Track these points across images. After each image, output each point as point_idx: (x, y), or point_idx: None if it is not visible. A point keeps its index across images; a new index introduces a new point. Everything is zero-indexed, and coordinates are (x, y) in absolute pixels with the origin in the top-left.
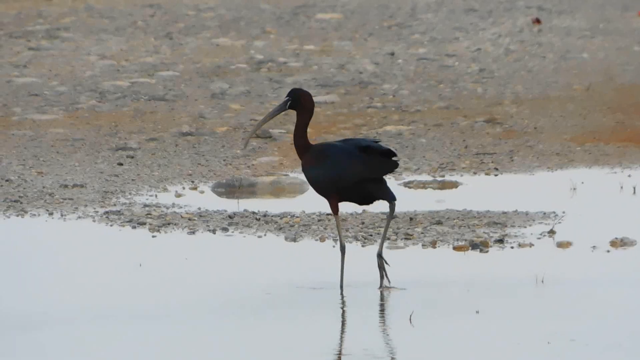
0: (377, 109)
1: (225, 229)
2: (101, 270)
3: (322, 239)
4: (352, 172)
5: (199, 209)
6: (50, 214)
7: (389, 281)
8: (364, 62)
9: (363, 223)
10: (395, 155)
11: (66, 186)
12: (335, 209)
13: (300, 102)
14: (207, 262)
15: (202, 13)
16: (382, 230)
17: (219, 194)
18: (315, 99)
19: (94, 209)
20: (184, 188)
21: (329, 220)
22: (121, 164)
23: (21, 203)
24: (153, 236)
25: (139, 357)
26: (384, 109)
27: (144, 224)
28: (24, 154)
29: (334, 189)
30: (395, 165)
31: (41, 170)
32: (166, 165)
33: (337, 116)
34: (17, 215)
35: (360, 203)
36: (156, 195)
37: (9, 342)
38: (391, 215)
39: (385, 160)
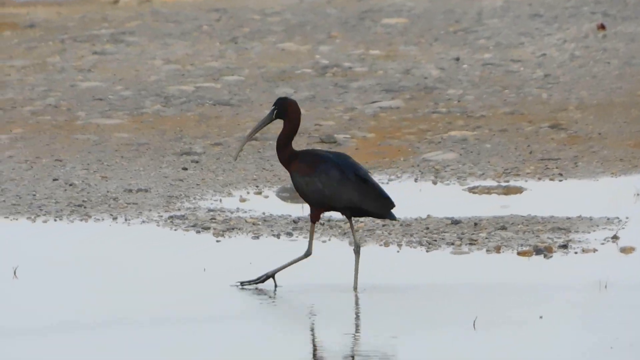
0: (442, 114)
1: (289, 234)
2: (165, 275)
3: (386, 244)
4: (346, 199)
5: (263, 213)
6: (115, 218)
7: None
8: (429, 67)
9: (427, 228)
10: (392, 204)
11: (130, 191)
12: (315, 218)
13: (286, 111)
14: (272, 267)
15: (268, 17)
16: (446, 235)
17: (284, 199)
18: (379, 104)
19: (158, 213)
20: (248, 193)
21: (393, 225)
22: (186, 169)
23: (85, 207)
24: (217, 241)
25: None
26: (449, 114)
27: (208, 228)
28: (88, 158)
29: (322, 204)
30: (389, 213)
31: (105, 174)
32: (231, 169)
33: (402, 121)
34: (81, 220)
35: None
36: (220, 200)
37: (83, 342)
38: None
39: (385, 200)
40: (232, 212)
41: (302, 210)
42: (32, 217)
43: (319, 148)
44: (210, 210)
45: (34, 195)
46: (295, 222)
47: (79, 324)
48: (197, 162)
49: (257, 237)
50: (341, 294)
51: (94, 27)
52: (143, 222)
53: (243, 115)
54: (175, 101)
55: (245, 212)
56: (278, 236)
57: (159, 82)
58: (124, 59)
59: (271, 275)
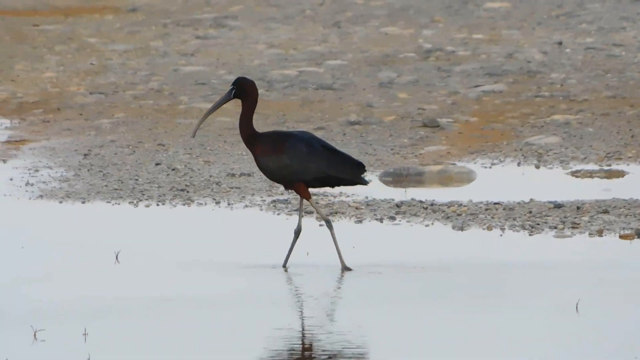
0: (544, 98)
1: (392, 218)
2: (268, 258)
3: (489, 228)
4: (315, 169)
5: (366, 197)
6: (217, 202)
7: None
8: (532, 51)
9: (530, 212)
10: (364, 169)
11: (233, 175)
12: (305, 194)
13: (245, 91)
14: (374, 251)
15: (371, 2)
16: (549, 219)
17: (387, 183)
18: (482, 88)
19: (261, 197)
20: None
21: (496, 209)
22: None
23: (188, 192)
24: (320, 225)
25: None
26: (552, 98)
27: (311, 213)
28: (190, 142)
29: (291, 179)
30: (361, 178)
31: (208, 159)
32: None
33: (505, 105)
34: (184, 204)
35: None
36: None
37: (198, 322)
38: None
39: (355, 166)
40: (335, 197)
41: (405, 194)
42: (135, 201)
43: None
44: (313, 194)
45: (137, 180)
46: (398, 206)
47: (181, 309)
48: None
49: (360, 221)
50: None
51: (196, 11)
52: (246, 206)
53: (346, 99)
54: (278, 85)
55: (348, 196)
56: (381, 220)
57: (262, 67)
58: (227, 44)
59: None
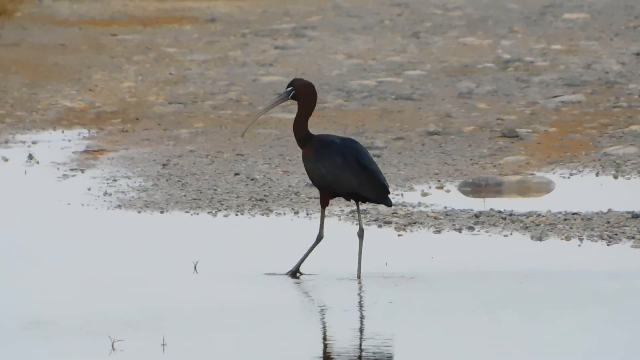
0: (623, 109)
1: (471, 228)
2: (346, 268)
3: (567, 238)
4: (346, 184)
5: (445, 207)
6: (296, 212)
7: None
8: (610, 62)
9: (608, 222)
10: (388, 192)
11: (312, 185)
12: (324, 203)
13: (302, 93)
14: (453, 261)
15: (449, 12)
16: (626, 229)
17: (465, 193)
18: (561, 98)
19: (340, 207)
20: (430, 187)
21: (575, 219)
22: None
23: (266, 202)
24: (399, 235)
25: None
26: (630, 109)
27: (390, 222)
28: (269, 152)
29: (326, 189)
30: (385, 199)
31: (287, 169)
32: (412, 164)
33: (583, 115)
34: (262, 214)
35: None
36: (402, 194)
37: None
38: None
39: (381, 188)
40: (413, 207)
41: (484, 204)
42: (213, 211)
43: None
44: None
45: (215, 189)
46: (477, 216)
47: (259, 319)
48: (379, 156)
49: (439, 232)
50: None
51: (275, 21)
52: (325, 216)
53: (425, 109)
54: (357, 95)
55: (427, 206)
56: (460, 230)
57: (341, 77)
58: (306, 54)
59: (296, 271)
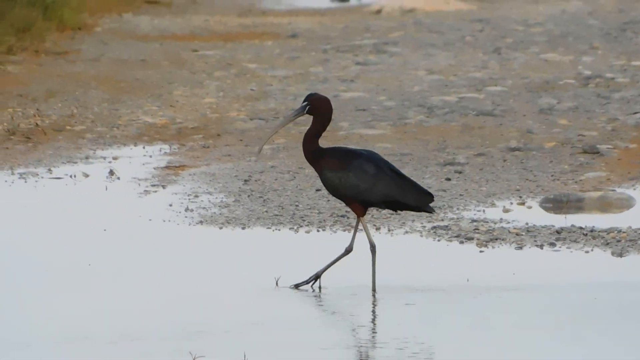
0: None
1: (552, 244)
2: (427, 284)
3: None
4: (384, 192)
5: (527, 224)
6: (378, 228)
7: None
8: None
9: None
10: (432, 197)
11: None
12: (359, 212)
13: (317, 108)
14: (534, 277)
15: (530, 28)
16: None
17: (547, 209)
18: None
19: (422, 223)
20: (511, 203)
21: None
22: (449, 179)
23: (348, 218)
24: (480, 251)
25: None
26: None
27: (471, 239)
28: None
29: (356, 199)
30: (428, 207)
31: None
32: (494, 180)
33: None
34: (344, 230)
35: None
36: (484, 210)
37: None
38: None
39: (424, 194)
40: (495, 223)
41: (565, 220)
42: (295, 227)
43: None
44: (473, 220)
45: (297, 205)
46: (558, 232)
47: (339, 334)
48: (460, 172)
49: (521, 248)
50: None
51: (356, 37)
52: (406, 232)
53: (506, 125)
54: (439, 111)
55: (509, 222)
56: (541, 247)
57: (422, 93)
58: (387, 69)
59: (319, 276)
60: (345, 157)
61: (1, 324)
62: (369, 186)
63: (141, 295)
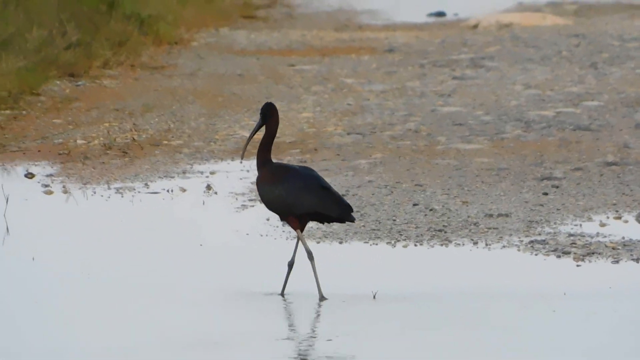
0: None
1: None
2: (525, 296)
3: None
4: (307, 204)
5: (623, 238)
6: (475, 243)
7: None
8: None
9: None
10: (351, 209)
11: (491, 215)
12: (295, 225)
13: (267, 116)
14: (631, 291)
15: (627, 43)
16: None
17: None
18: None
19: (519, 238)
20: (608, 217)
21: None
22: (546, 194)
23: (445, 232)
24: (577, 265)
25: None
26: None
27: (568, 253)
28: (448, 183)
29: (284, 212)
30: (349, 216)
31: (466, 199)
32: (590, 194)
33: None
34: (441, 245)
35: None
36: (580, 225)
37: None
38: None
39: (344, 206)
40: (592, 237)
41: None
42: (392, 242)
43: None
44: (570, 235)
45: (394, 220)
46: None
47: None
48: (557, 187)
49: (617, 262)
50: None
51: (453, 52)
52: (503, 246)
53: (603, 140)
54: (536, 126)
55: (605, 236)
56: (637, 260)
57: (519, 107)
58: (484, 84)
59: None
60: (277, 172)
61: (117, 333)
62: (294, 199)
63: (236, 306)
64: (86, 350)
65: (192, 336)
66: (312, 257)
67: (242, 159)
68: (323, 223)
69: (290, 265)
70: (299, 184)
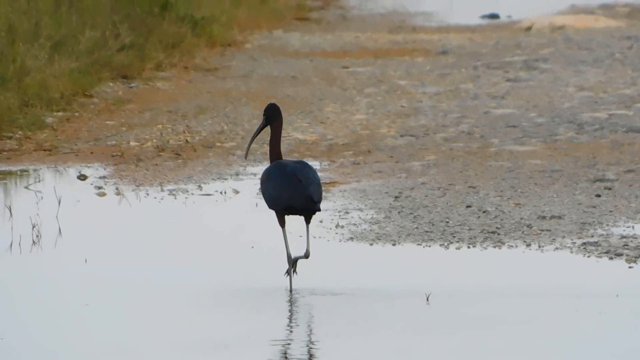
0: None
1: None
2: (575, 299)
3: None
4: (282, 200)
5: None
6: (528, 245)
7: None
8: None
9: None
10: (317, 202)
11: (544, 217)
12: (281, 222)
13: (271, 117)
14: None
15: None
16: None
17: None
18: None
19: (572, 240)
20: None
21: None
22: (599, 195)
23: (498, 234)
24: (630, 267)
25: None
26: None
27: (620, 254)
28: (501, 185)
29: (278, 209)
30: (315, 209)
31: (519, 201)
32: None
33: None
34: (494, 247)
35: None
36: (633, 227)
37: None
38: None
39: (310, 199)
40: None
41: None
42: (445, 244)
43: None
44: (622, 236)
45: (447, 222)
46: None
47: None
48: (609, 189)
49: None
50: None
51: (507, 54)
52: (556, 248)
53: None
54: (589, 128)
55: None
56: None
57: (572, 109)
58: (537, 86)
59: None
60: (270, 170)
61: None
62: (274, 196)
63: (294, 309)
64: (140, 350)
65: (248, 337)
66: (291, 262)
67: (245, 158)
68: (301, 215)
69: (307, 256)
70: (278, 180)
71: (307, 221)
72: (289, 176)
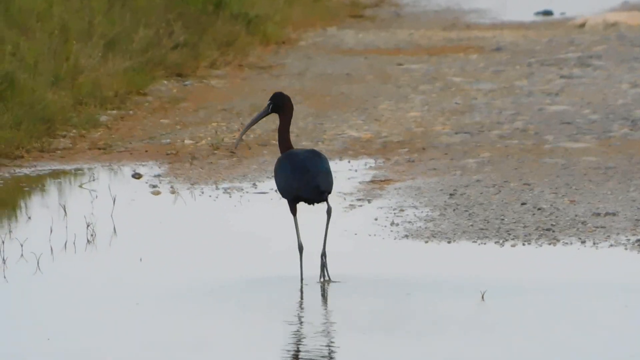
0: None
1: None
2: (630, 294)
3: None
4: (292, 190)
5: None
6: (582, 242)
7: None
8: None
9: None
10: (324, 192)
11: (598, 214)
12: (292, 210)
13: (283, 105)
14: None
15: None
16: None
17: None
18: None
19: (626, 236)
20: None
21: None
22: None
23: (553, 231)
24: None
25: None
26: None
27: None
28: (556, 182)
29: (286, 197)
30: (322, 199)
31: (573, 198)
32: None
33: None
34: (549, 244)
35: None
36: None
37: None
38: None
39: (317, 190)
40: None
41: None
42: (500, 241)
43: None
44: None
45: (502, 219)
46: None
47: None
48: None
49: None
50: None
51: (561, 51)
52: (611, 245)
53: None
54: None
55: None
56: None
57: (626, 106)
58: (591, 83)
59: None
60: (280, 161)
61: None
62: (286, 186)
63: (339, 307)
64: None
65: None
66: (302, 250)
67: (236, 147)
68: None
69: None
70: (288, 170)
71: (327, 216)
72: (298, 166)
